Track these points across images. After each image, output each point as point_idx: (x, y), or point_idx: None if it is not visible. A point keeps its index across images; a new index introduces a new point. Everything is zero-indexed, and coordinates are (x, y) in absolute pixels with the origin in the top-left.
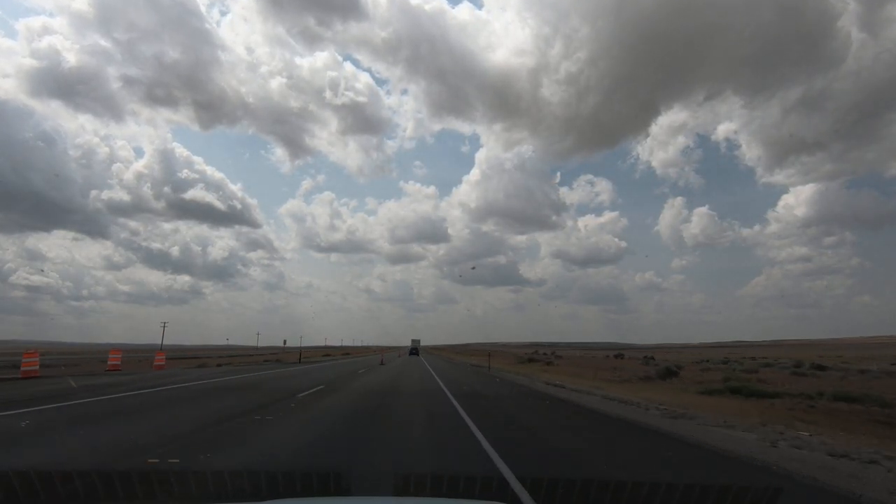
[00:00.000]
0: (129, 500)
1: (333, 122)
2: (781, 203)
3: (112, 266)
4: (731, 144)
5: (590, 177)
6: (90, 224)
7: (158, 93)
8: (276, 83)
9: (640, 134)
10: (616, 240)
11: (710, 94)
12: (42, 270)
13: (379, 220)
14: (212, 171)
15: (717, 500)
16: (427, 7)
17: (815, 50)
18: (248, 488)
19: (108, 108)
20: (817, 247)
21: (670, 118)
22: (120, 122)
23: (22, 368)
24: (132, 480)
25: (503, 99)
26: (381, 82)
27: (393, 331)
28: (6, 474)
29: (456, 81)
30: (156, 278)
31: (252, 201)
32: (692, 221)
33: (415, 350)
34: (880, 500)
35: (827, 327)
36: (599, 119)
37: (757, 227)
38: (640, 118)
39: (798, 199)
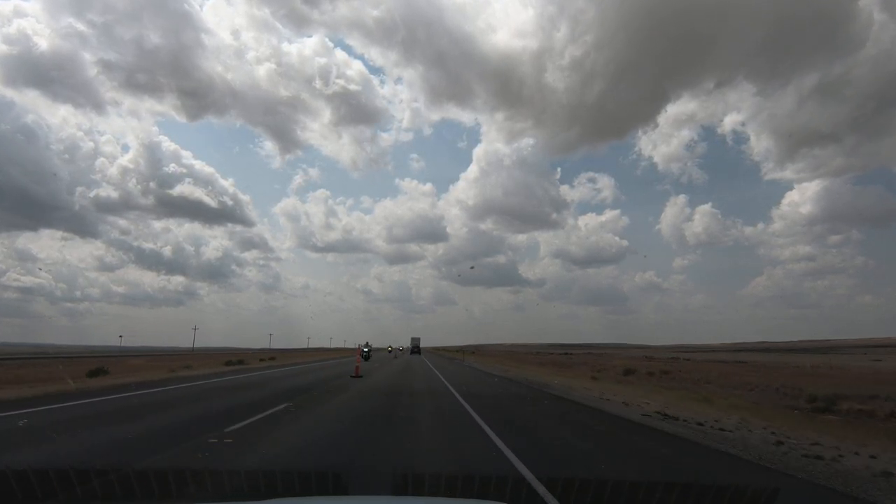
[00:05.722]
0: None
1: (326, 113)
2: (786, 200)
3: (104, 267)
4: (739, 137)
5: (591, 174)
6: (78, 222)
7: (141, 80)
8: (264, 70)
9: (648, 125)
10: (618, 238)
11: (721, 82)
12: (41, 269)
13: (375, 218)
14: (201, 166)
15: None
16: None
17: (835, 32)
18: None
19: (88, 97)
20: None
21: (678, 108)
22: (102, 113)
23: None
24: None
25: (505, 86)
26: (374, 70)
27: (391, 331)
28: None
29: (455, 66)
30: (149, 279)
31: (244, 198)
32: (694, 220)
33: (416, 348)
34: None
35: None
36: (605, 108)
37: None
38: (648, 108)
39: (803, 196)
